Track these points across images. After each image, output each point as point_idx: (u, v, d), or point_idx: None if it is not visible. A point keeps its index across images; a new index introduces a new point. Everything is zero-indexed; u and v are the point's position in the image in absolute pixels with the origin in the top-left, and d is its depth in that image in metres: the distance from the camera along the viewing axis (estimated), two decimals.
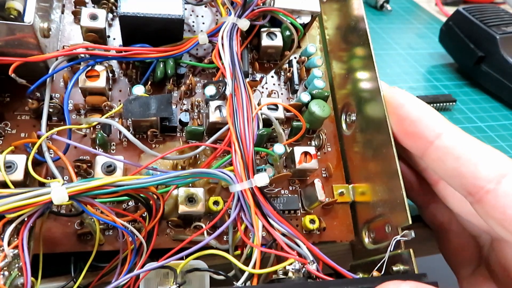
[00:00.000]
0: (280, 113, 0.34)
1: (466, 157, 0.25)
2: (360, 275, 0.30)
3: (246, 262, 0.26)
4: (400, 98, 0.28)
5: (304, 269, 0.25)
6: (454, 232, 0.33)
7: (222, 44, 0.32)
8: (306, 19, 0.37)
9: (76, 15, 0.35)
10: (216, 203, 0.31)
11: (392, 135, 0.29)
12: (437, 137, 0.26)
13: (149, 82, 0.34)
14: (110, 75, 0.34)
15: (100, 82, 0.31)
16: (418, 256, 0.27)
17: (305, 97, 0.36)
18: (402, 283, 0.22)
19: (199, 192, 0.30)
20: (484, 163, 0.25)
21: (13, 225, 0.23)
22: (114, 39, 0.36)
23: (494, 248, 0.30)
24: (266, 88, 0.38)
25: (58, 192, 0.23)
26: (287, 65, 0.39)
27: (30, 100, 0.30)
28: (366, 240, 0.33)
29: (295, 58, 0.39)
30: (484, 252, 0.32)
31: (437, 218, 0.33)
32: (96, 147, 0.31)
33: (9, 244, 0.23)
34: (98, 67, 0.31)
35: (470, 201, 0.26)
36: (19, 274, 0.23)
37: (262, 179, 0.26)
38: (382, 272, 0.27)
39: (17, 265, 0.23)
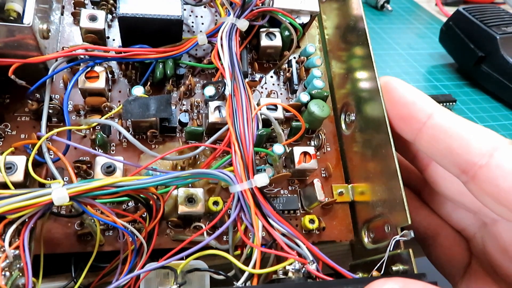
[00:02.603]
0: (280, 113, 0.34)
1: (458, 135, 0.26)
2: (360, 275, 0.30)
3: (246, 262, 0.26)
4: (394, 83, 0.29)
5: (304, 269, 0.25)
6: (440, 235, 0.33)
7: (221, 45, 0.32)
8: (305, 19, 0.38)
9: (76, 16, 0.35)
10: (215, 203, 0.31)
11: (391, 135, 0.29)
12: (429, 117, 0.27)
13: (149, 83, 0.34)
14: (110, 76, 0.34)
15: (100, 83, 0.31)
16: (418, 257, 0.27)
17: (304, 97, 0.36)
18: (388, 281, 0.22)
19: (199, 192, 0.30)
20: (475, 139, 0.25)
21: (14, 226, 0.23)
22: (113, 40, 0.36)
23: (489, 233, 0.30)
24: (266, 88, 0.38)
25: (59, 193, 0.23)
26: (286, 65, 0.39)
27: (30, 101, 0.30)
28: (366, 240, 0.33)
29: (294, 58, 0.39)
30: (473, 246, 0.32)
31: (421, 224, 0.33)
32: (96, 147, 0.31)
33: (10, 244, 0.23)
34: (98, 68, 0.31)
35: (464, 181, 0.26)
36: (20, 274, 0.23)
37: (262, 179, 0.26)
38: (382, 272, 0.27)
39: (18, 265, 0.23)
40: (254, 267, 0.25)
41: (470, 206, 0.30)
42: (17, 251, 0.23)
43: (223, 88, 0.33)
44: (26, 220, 0.23)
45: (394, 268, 0.27)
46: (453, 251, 0.32)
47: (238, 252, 0.30)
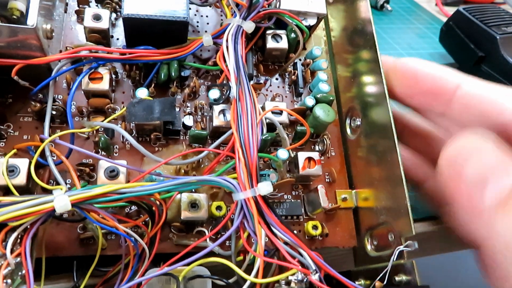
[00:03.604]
0: (284, 118, 0.34)
1: (489, 99, 0.26)
2: (362, 282, 0.30)
3: (248, 268, 0.26)
4: (412, 62, 0.30)
5: (306, 279, 0.25)
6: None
7: (227, 47, 0.32)
8: (312, 21, 0.37)
9: (79, 14, 0.35)
10: (219, 208, 0.31)
11: (397, 141, 0.29)
12: (458, 87, 0.28)
13: (153, 85, 0.33)
14: (114, 76, 0.33)
15: (104, 84, 0.31)
16: (418, 257, 0.26)
17: (309, 101, 0.35)
18: None
19: (202, 197, 0.30)
20: (508, 100, 0.26)
21: (16, 233, 0.23)
22: (117, 39, 0.35)
23: None
24: (271, 91, 0.38)
25: (61, 201, 0.22)
26: (291, 67, 0.38)
27: (32, 103, 0.30)
28: (369, 247, 0.32)
29: (300, 60, 0.39)
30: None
31: (438, 191, 0.33)
32: (99, 150, 0.31)
33: (12, 251, 0.22)
34: (102, 70, 0.31)
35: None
36: (22, 281, 0.23)
37: (265, 187, 0.26)
38: (385, 282, 0.27)
39: (20, 272, 0.23)
40: (256, 275, 0.25)
41: None
42: (18, 259, 0.23)
43: (228, 91, 0.32)
44: (28, 227, 0.23)
45: (397, 278, 0.27)
46: None
47: (241, 257, 0.30)
